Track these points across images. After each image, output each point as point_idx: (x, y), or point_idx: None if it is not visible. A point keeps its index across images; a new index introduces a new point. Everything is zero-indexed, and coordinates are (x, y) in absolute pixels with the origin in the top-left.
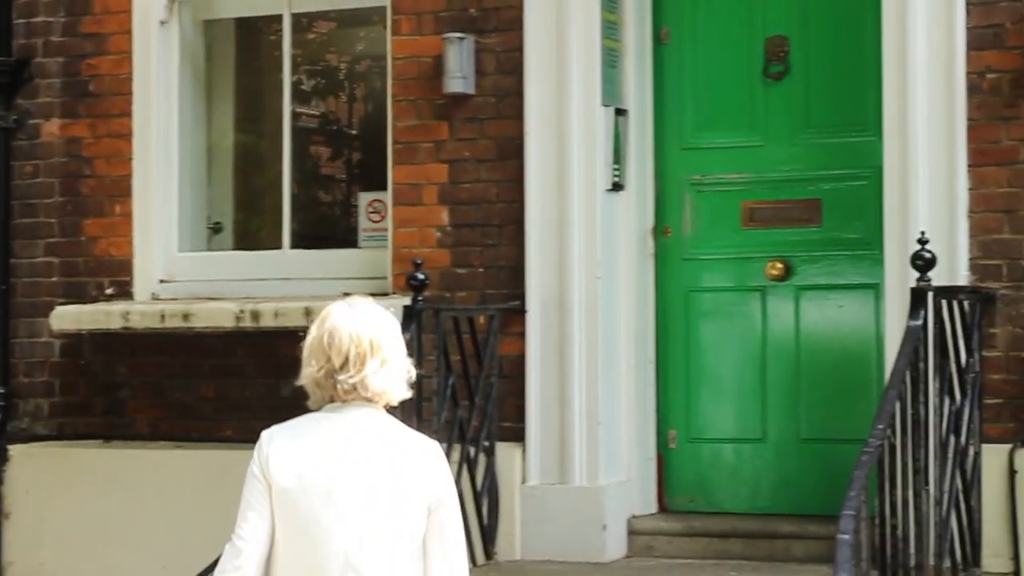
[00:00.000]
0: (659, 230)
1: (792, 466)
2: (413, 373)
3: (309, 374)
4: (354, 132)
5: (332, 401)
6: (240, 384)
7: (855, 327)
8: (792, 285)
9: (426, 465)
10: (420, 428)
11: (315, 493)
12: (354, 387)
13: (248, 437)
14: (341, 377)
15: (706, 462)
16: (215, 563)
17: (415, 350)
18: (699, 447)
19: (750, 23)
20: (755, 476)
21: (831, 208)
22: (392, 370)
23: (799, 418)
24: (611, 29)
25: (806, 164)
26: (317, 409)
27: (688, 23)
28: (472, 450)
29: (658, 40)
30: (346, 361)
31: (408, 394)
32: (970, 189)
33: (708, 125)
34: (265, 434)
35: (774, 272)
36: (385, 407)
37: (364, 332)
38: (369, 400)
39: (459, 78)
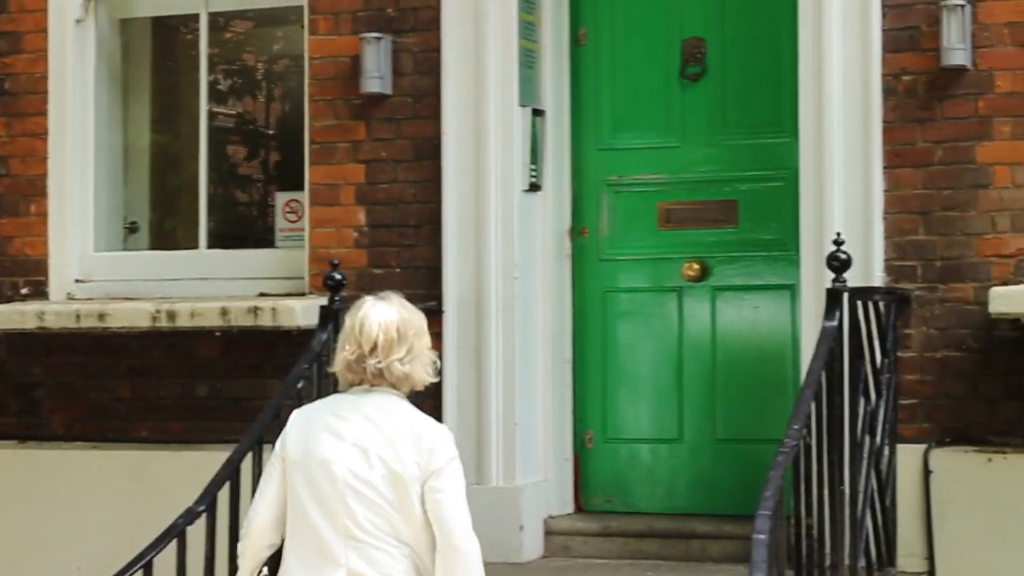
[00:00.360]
0: (576, 231)
1: (708, 466)
2: (438, 363)
3: (342, 359)
4: (271, 132)
5: (361, 384)
6: (156, 384)
7: (771, 328)
8: (708, 286)
9: (428, 448)
10: None
11: (317, 465)
12: (381, 372)
13: (163, 438)
14: (370, 362)
15: (623, 462)
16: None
17: (331, 351)
18: (616, 447)
19: (667, 24)
20: (671, 476)
21: (747, 209)
22: (416, 358)
23: (715, 418)
24: (529, 30)
25: (723, 165)
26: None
27: (606, 24)
28: None
29: (575, 41)
30: (374, 348)
31: (434, 380)
32: (885, 191)
33: (625, 126)
34: (294, 413)
35: (691, 273)
36: (411, 392)
37: (392, 323)
38: (394, 385)
39: (376, 78)
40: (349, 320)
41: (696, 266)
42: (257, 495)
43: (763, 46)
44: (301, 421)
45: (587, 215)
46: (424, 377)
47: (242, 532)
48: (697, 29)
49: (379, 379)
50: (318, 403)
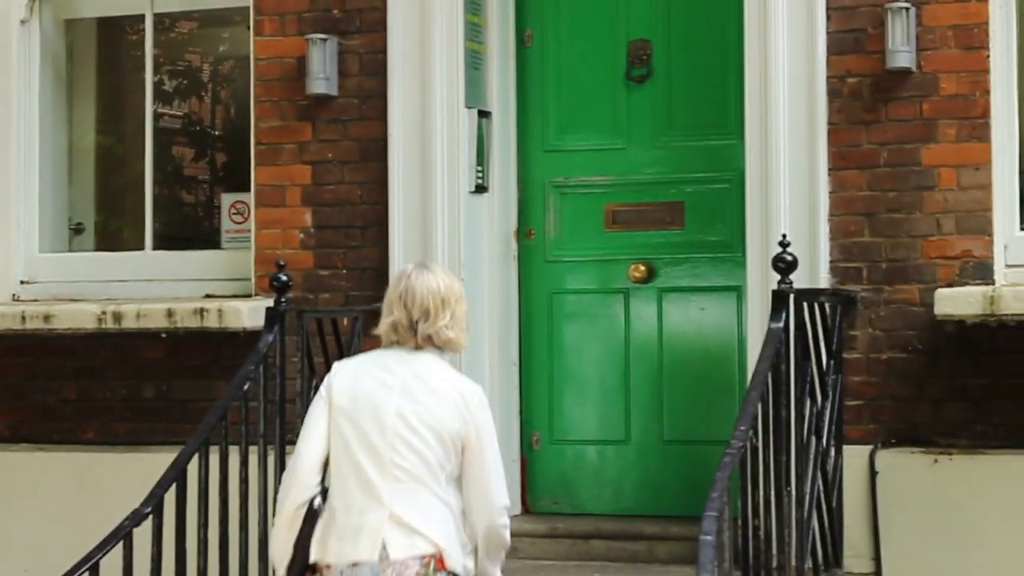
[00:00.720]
0: (522, 232)
1: (655, 467)
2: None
3: (389, 323)
4: (217, 133)
5: (402, 345)
6: (102, 385)
7: (717, 329)
8: (655, 287)
9: (466, 405)
10: (284, 430)
11: (366, 412)
12: (429, 337)
13: (109, 439)
14: (420, 328)
15: (569, 464)
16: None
17: (278, 352)
18: (562, 449)
19: (613, 26)
20: (618, 477)
21: (693, 211)
22: (457, 323)
23: (662, 420)
24: (474, 31)
25: (669, 167)
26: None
27: (551, 26)
28: None
29: (521, 42)
30: (424, 314)
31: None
32: (831, 192)
33: (571, 127)
34: (337, 364)
35: (637, 274)
36: (452, 353)
37: (438, 291)
38: (439, 348)
39: (322, 79)
40: (393, 289)
41: (642, 268)
42: (302, 440)
43: (709, 48)
44: (348, 371)
45: (533, 216)
46: (464, 340)
47: (286, 475)
48: (643, 31)
49: (427, 342)
50: (363, 356)
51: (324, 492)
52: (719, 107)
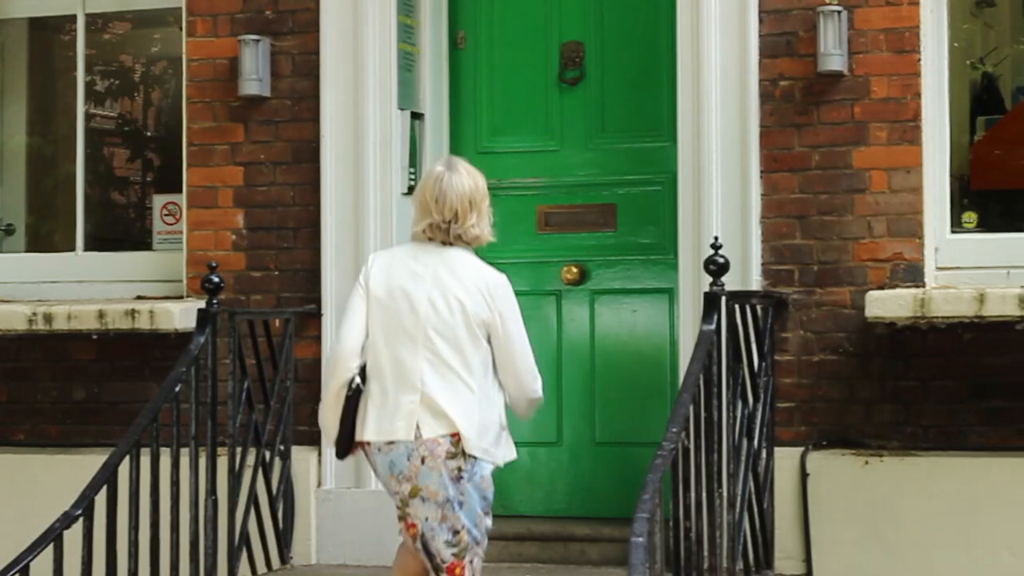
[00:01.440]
0: None
1: (587, 469)
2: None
3: (425, 225)
4: (149, 134)
5: (433, 241)
6: (32, 387)
7: (649, 331)
8: (587, 289)
9: (491, 291)
10: (215, 432)
11: (401, 300)
12: (459, 236)
13: (40, 441)
14: (451, 228)
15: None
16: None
17: (209, 354)
18: None
19: (546, 28)
20: (550, 479)
21: (626, 213)
22: (483, 219)
23: (594, 421)
24: (407, 33)
25: (601, 169)
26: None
27: (484, 28)
28: (267, 454)
29: (454, 44)
30: (454, 217)
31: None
32: (763, 195)
33: (504, 129)
34: (372, 255)
35: (569, 276)
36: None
37: (466, 194)
38: (467, 243)
39: (254, 80)
40: (426, 190)
41: (575, 270)
42: (343, 327)
43: (642, 51)
44: (383, 262)
45: None
46: (489, 234)
47: (329, 360)
48: (576, 33)
49: (457, 240)
50: (396, 249)
51: (363, 373)
52: (652, 110)
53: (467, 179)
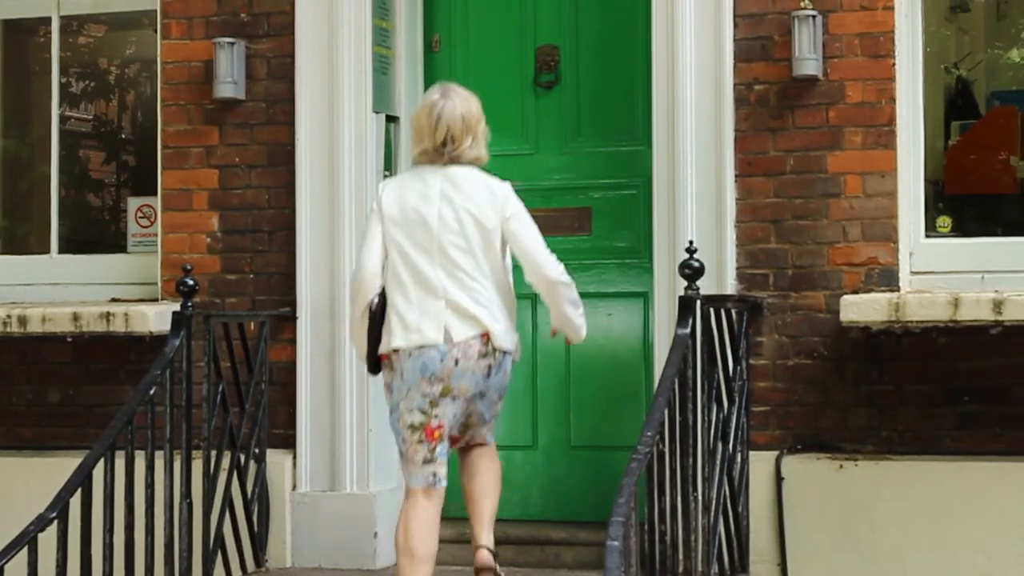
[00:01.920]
0: None
1: (562, 473)
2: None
3: (420, 150)
4: (124, 136)
5: (433, 164)
6: (7, 390)
7: (624, 335)
8: None
9: (494, 197)
10: (190, 435)
11: (415, 219)
12: (456, 158)
13: (15, 443)
14: (446, 150)
15: None
16: None
17: (184, 357)
18: None
19: (520, 32)
20: (526, 483)
21: (601, 217)
22: (479, 141)
23: (569, 425)
24: (383, 36)
25: (576, 173)
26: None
27: (459, 31)
28: (242, 457)
29: (429, 47)
30: (451, 139)
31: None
32: (738, 199)
33: None
34: (382, 183)
35: None
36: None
37: (460, 117)
38: (467, 164)
39: (229, 83)
40: (421, 116)
41: None
42: (363, 252)
43: (617, 54)
44: (392, 187)
45: None
46: (485, 155)
47: (352, 284)
48: (551, 37)
49: (454, 161)
50: (403, 175)
51: (383, 293)
52: (627, 113)
53: (461, 104)
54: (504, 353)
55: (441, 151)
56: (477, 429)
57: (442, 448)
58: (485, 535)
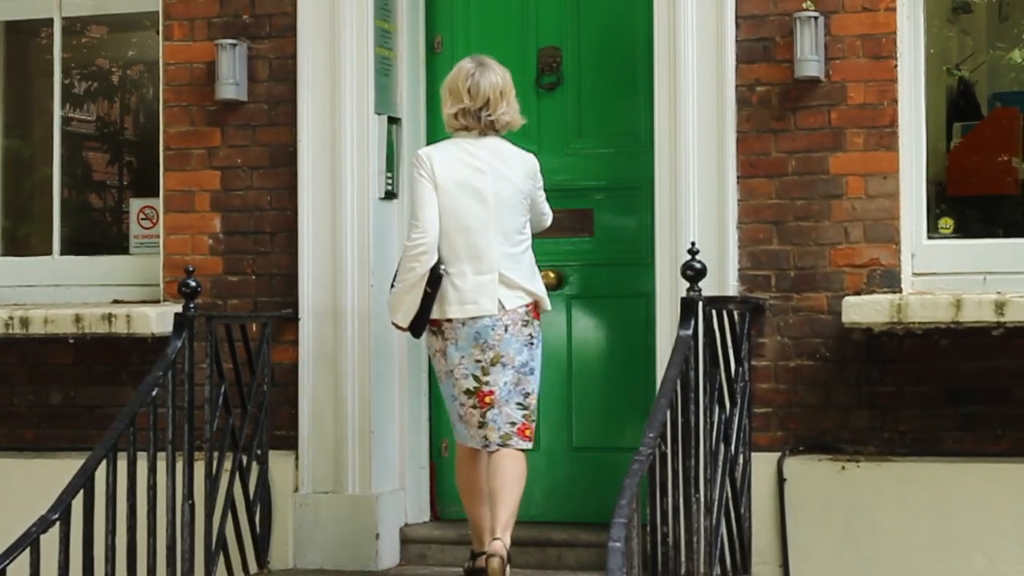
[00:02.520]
0: None
1: (564, 474)
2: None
3: (458, 109)
4: (126, 137)
5: (469, 131)
6: (9, 391)
7: (626, 337)
8: (564, 295)
9: (532, 170)
10: (192, 436)
11: (468, 190)
12: (491, 123)
13: (16, 445)
14: (483, 115)
15: None
16: None
17: (186, 358)
18: None
19: (523, 34)
20: (528, 484)
21: (603, 218)
22: (512, 107)
23: (571, 427)
24: (384, 37)
25: (579, 174)
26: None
27: (461, 32)
28: (244, 458)
29: (432, 49)
30: (486, 103)
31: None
32: (739, 200)
33: None
34: (422, 152)
35: (546, 282)
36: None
37: (497, 84)
38: (498, 131)
39: (231, 84)
40: (458, 81)
41: (551, 275)
42: (424, 217)
43: (619, 56)
44: (441, 158)
45: None
46: (518, 120)
47: (412, 247)
48: (553, 38)
49: (489, 128)
50: (444, 145)
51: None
52: (629, 115)
53: (496, 74)
54: (538, 326)
55: (478, 115)
56: (532, 411)
57: (492, 414)
58: (500, 528)
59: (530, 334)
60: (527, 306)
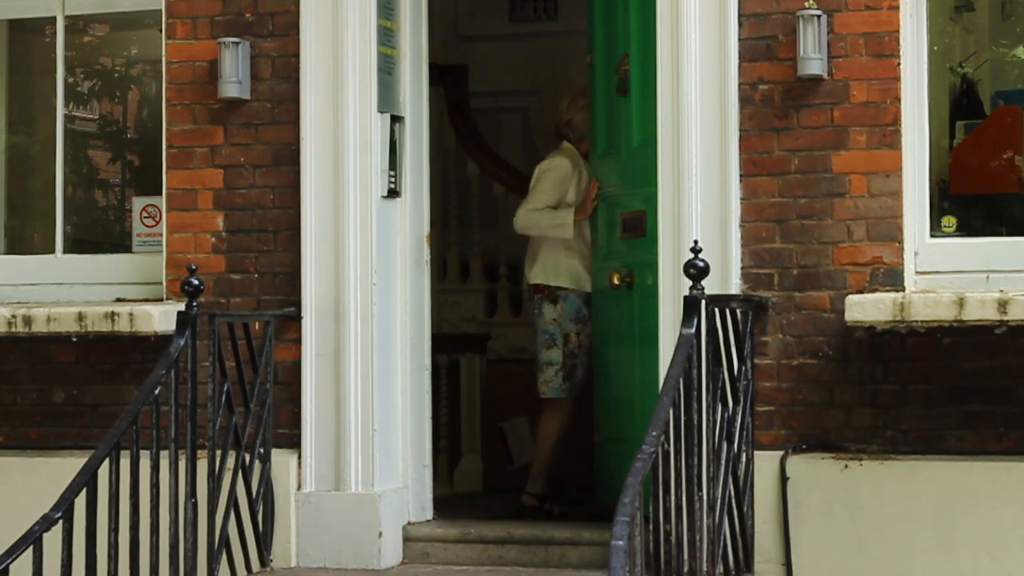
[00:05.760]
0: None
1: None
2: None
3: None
4: (129, 136)
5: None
6: (11, 390)
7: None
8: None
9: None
10: (195, 435)
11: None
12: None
13: (19, 443)
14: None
15: None
16: None
17: (189, 357)
18: None
19: None
20: None
21: None
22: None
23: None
24: (387, 36)
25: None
26: None
27: None
28: (247, 457)
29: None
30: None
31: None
32: (742, 199)
33: None
34: (557, 157)
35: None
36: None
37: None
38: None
39: (234, 83)
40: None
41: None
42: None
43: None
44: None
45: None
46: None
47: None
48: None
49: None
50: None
51: None
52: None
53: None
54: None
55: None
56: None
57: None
58: (529, 482)
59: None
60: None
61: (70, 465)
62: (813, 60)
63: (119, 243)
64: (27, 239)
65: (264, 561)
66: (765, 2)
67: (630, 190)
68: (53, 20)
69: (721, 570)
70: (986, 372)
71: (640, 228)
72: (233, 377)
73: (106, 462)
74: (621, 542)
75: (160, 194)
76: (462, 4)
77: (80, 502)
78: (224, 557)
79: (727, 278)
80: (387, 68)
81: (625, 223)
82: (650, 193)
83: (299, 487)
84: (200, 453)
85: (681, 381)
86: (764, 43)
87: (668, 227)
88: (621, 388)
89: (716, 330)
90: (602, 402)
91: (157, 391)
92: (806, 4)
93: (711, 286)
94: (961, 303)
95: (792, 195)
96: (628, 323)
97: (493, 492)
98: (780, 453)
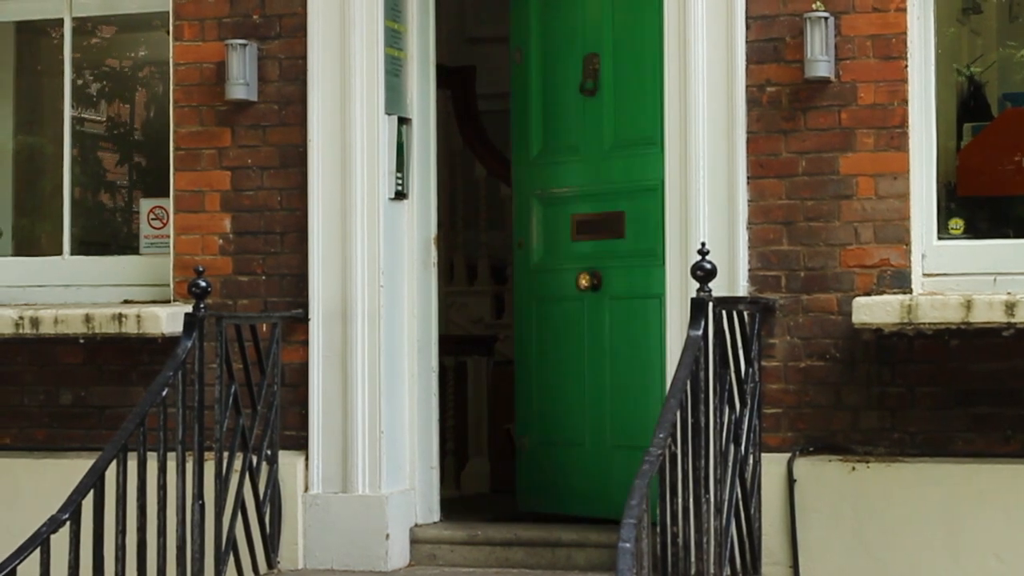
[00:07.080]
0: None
1: None
2: None
3: None
4: (136, 137)
5: None
6: (19, 391)
7: (637, 336)
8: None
9: None
10: (202, 436)
11: None
12: None
13: (27, 445)
14: None
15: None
16: None
17: (196, 358)
18: None
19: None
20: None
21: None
22: None
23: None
24: (394, 37)
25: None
26: None
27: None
28: (254, 459)
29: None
30: None
31: None
32: (749, 201)
33: None
34: None
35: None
36: None
37: None
38: None
39: (241, 85)
40: None
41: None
42: None
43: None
44: None
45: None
46: None
47: None
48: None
49: None
50: None
51: None
52: (639, 116)
53: None
54: None
55: None
56: None
57: None
58: None
59: None
60: None
61: (77, 467)
62: (820, 62)
63: (126, 245)
64: (35, 241)
65: (271, 563)
66: (772, 4)
67: (602, 191)
68: (61, 22)
69: (728, 572)
70: (994, 374)
71: (616, 230)
72: (240, 379)
73: (113, 464)
74: (628, 544)
75: (167, 196)
76: (469, 5)
77: (87, 504)
78: (231, 559)
79: (734, 280)
80: (394, 70)
81: (593, 224)
82: (632, 193)
83: (306, 489)
84: (207, 455)
85: (688, 383)
86: (771, 45)
87: (675, 229)
88: (574, 393)
89: (723, 332)
90: (538, 403)
91: (164, 393)
92: (813, 6)
93: (718, 288)
94: (968, 305)
95: (799, 197)
96: (597, 326)
97: (500, 494)
98: (787, 455)
